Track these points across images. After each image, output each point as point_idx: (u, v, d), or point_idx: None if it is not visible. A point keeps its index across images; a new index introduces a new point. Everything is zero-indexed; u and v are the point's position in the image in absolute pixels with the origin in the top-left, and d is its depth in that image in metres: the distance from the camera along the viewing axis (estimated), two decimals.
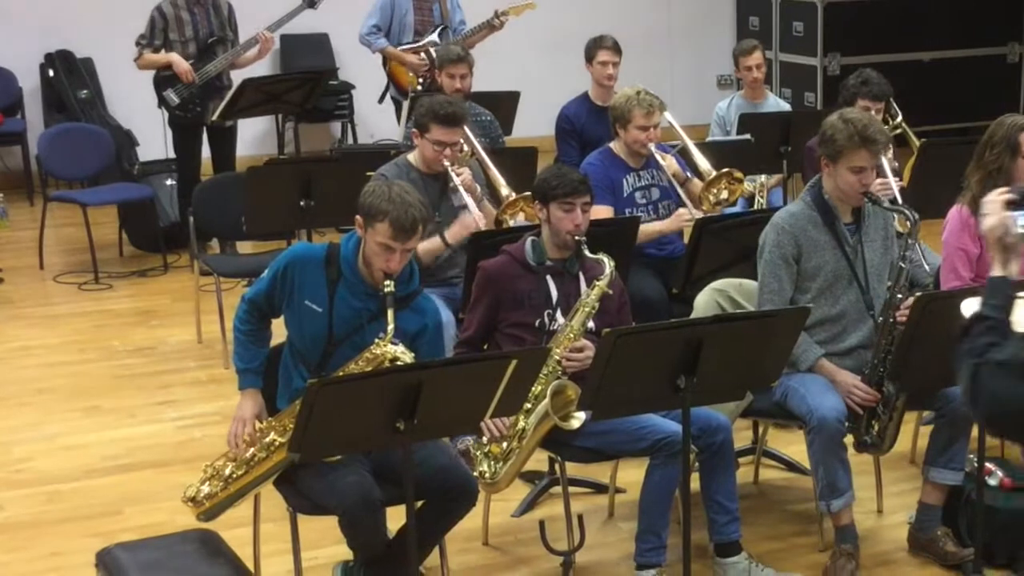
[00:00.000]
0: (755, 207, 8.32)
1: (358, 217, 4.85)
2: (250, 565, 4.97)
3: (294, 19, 10.00)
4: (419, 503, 4.69)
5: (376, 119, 12.10)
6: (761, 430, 6.28)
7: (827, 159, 5.44)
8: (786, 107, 9.64)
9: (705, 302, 5.80)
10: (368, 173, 6.53)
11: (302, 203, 7.43)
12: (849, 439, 5.42)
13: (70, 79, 11.99)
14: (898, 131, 7.89)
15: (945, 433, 5.41)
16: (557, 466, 5.58)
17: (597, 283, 5.36)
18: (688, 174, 7.07)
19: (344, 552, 5.08)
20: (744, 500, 5.63)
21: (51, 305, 9.24)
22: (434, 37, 9.94)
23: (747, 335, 4.78)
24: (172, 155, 10.15)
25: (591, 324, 5.34)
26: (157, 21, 9.60)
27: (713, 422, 5.21)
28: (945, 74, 13.05)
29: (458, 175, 6.51)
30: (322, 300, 4.91)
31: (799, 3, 13.04)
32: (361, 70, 11.87)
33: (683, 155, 7.23)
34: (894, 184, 6.76)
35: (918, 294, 5.26)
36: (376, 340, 4.72)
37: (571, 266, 5.48)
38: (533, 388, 5.02)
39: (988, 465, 5.40)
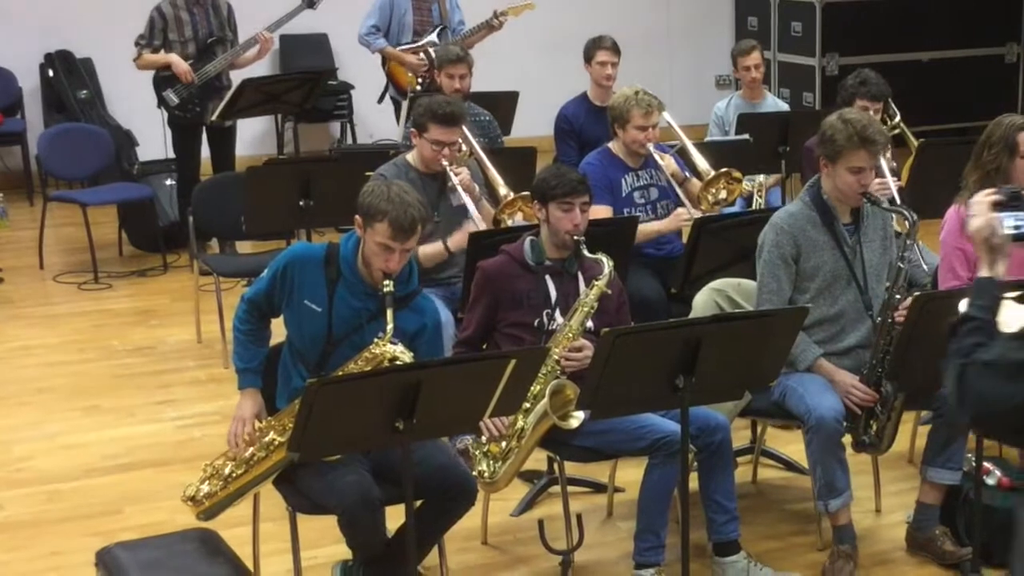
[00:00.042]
0: (753, 207, 8.33)
1: (357, 217, 4.86)
2: (249, 564, 4.98)
3: (293, 19, 10.01)
4: (418, 502, 4.70)
5: (375, 119, 12.11)
6: (759, 429, 6.29)
7: (826, 159, 5.44)
8: (784, 107, 9.65)
9: (704, 302, 5.81)
10: (367, 173, 6.55)
11: (301, 203, 7.44)
12: (847, 439, 5.43)
13: (70, 79, 12.00)
14: (896, 131, 7.90)
15: (943, 433, 5.42)
16: (556, 465, 5.60)
17: (596, 283, 5.37)
18: (687, 174, 7.08)
19: (343, 551, 5.08)
20: (742, 499, 5.64)
21: (51, 305, 9.25)
22: (433, 37, 9.95)
23: (745, 335, 4.79)
24: (172, 155, 10.15)
25: (590, 324, 5.35)
26: (156, 21, 9.60)
27: (712, 421, 5.22)
28: (943, 74, 13.06)
29: (456, 175, 6.52)
30: (321, 300, 4.91)
31: (797, 3, 13.05)
32: (360, 70, 11.87)
33: (682, 155, 7.25)
34: (892, 184, 6.77)
35: (916, 294, 5.27)
36: (375, 340, 4.73)
37: (570, 266, 5.49)
38: (532, 388, 5.02)
39: (986, 464, 5.41)
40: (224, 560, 4.70)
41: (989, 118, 5.92)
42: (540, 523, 5.38)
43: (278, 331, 5.13)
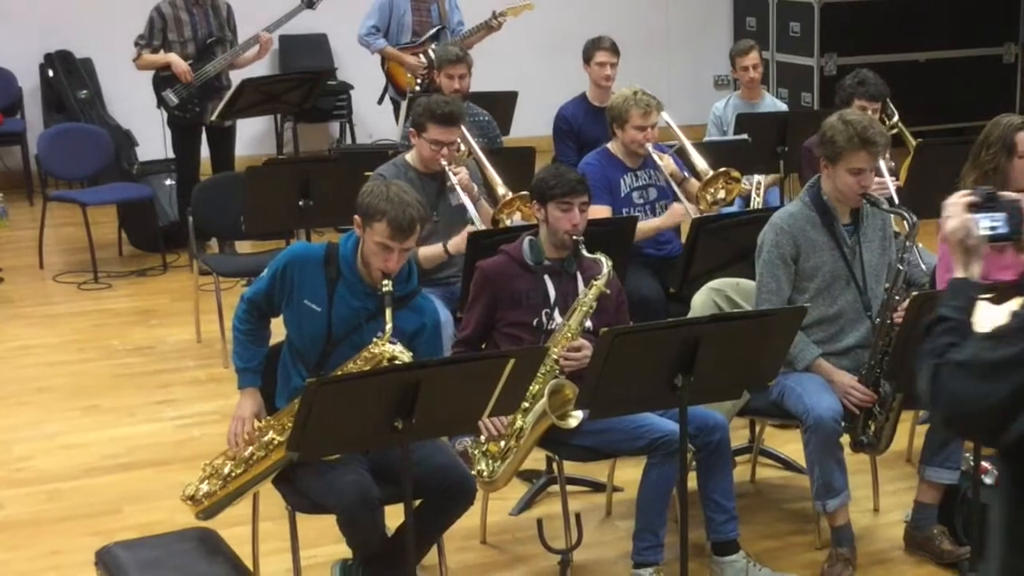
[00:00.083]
0: (751, 206, 8.34)
1: (356, 217, 4.87)
2: (249, 564, 4.98)
3: (293, 19, 10.02)
4: (417, 502, 4.70)
5: (374, 119, 12.11)
6: (758, 429, 6.30)
7: (826, 160, 5.44)
8: (783, 107, 9.66)
9: (702, 301, 5.82)
10: (366, 173, 6.55)
11: (301, 203, 7.45)
12: (845, 439, 5.44)
13: (69, 79, 12.00)
14: (894, 131, 7.91)
15: (941, 432, 5.42)
16: (555, 465, 5.61)
17: (595, 282, 5.37)
18: (685, 174, 7.09)
19: (343, 551, 5.09)
20: (741, 499, 5.65)
21: (51, 304, 9.26)
22: (432, 37, 9.96)
23: (744, 334, 4.80)
24: (171, 155, 10.15)
25: (589, 323, 5.36)
26: (156, 21, 9.61)
27: (710, 421, 5.23)
28: (941, 74, 13.06)
29: (455, 174, 6.53)
30: (321, 299, 4.92)
31: (796, 4, 13.06)
32: (360, 70, 11.88)
33: (680, 155, 7.25)
34: (890, 184, 6.77)
35: (914, 293, 5.28)
36: (374, 339, 4.73)
37: (569, 266, 5.50)
38: (531, 387, 5.04)
39: (984, 464, 5.40)
40: (223, 559, 4.70)
41: (987, 118, 5.93)
42: (539, 522, 5.37)
43: (278, 331, 5.14)
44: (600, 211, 6.55)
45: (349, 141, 12.58)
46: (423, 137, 6.48)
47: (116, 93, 12.06)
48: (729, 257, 6.32)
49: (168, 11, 9.63)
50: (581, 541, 5.33)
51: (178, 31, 9.63)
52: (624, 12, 13.40)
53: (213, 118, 9.58)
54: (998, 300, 3.10)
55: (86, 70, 12.13)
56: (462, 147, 6.94)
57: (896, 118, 8.11)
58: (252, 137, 12.20)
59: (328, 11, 10.46)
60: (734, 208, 7.73)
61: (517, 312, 5.44)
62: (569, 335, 5.31)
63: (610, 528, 5.88)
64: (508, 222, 6.71)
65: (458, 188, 6.52)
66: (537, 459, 5.78)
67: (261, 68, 11.15)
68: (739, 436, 6.26)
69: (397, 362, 4.64)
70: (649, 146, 6.92)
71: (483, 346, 5.52)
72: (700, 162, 7.15)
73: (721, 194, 7.04)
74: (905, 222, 5.48)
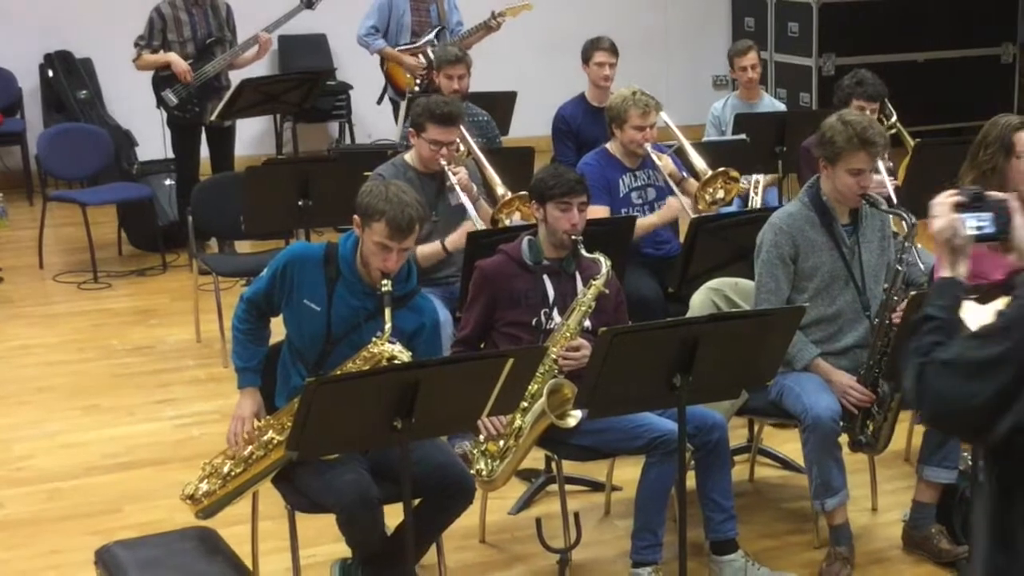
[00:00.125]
0: (749, 205, 8.35)
1: (356, 217, 4.87)
2: (248, 563, 4.99)
3: (292, 20, 10.03)
4: (416, 501, 4.72)
5: (373, 119, 12.11)
6: (756, 428, 6.30)
7: (825, 161, 5.45)
8: (781, 107, 9.67)
9: (701, 301, 5.82)
10: (365, 173, 6.57)
11: (300, 203, 7.46)
12: (844, 438, 5.45)
13: (69, 79, 12.01)
14: (893, 131, 7.91)
15: (939, 432, 5.43)
16: (554, 464, 5.63)
17: (594, 282, 5.38)
18: (684, 174, 7.10)
19: (342, 550, 5.10)
20: (740, 498, 5.66)
21: (50, 304, 9.26)
22: (431, 38, 9.97)
23: (743, 334, 4.81)
24: (171, 155, 10.16)
25: (587, 323, 5.37)
26: (156, 22, 9.62)
27: (709, 420, 5.23)
28: (940, 74, 13.07)
29: (455, 174, 6.54)
30: (321, 299, 4.93)
31: (794, 4, 13.07)
32: (359, 71, 11.88)
33: (679, 155, 7.26)
34: (888, 182, 6.78)
35: (913, 294, 5.29)
36: (373, 339, 4.74)
37: (568, 265, 5.50)
38: (530, 387, 5.05)
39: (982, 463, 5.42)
40: (223, 558, 4.71)
41: (985, 118, 5.93)
42: (538, 521, 5.39)
43: (277, 330, 5.14)
44: (598, 211, 6.56)
45: (348, 141, 12.59)
46: (422, 137, 6.49)
47: (116, 93, 12.07)
48: (728, 257, 6.33)
49: (168, 11, 9.64)
50: (580, 540, 5.35)
51: (178, 31, 9.64)
52: (623, 12, 13.41)
53: (213, 118, 9.59)
54: (984, 300, 3.11)
55: (86, 70, 12.14)
56: (461, 147, 6.95)
57: (894, 118, 8.11)
58: (251, 137, 12.21)
59: (327, 11, 10.47)
60: (732, 208, 7.73)
61: (516, 312, 5.44)
62: (568, 335, 5.32)
63: (609, 527, 5.89)
64: (507, 222, 6.72)
65: (457, 188, 6.53)
66: (536, 458, 5.78)
67: (260, 68, 11.16)
68: (738, 435, 6.25)
69: (396, 362, 4.65)
70: (648, 146, 6.93)
71: (482, 346, 5.52)
72: (699, 162, 7.16)
73: (720, 194, 7.05)
74: (904, 222, 5.49)
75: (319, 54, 12.79)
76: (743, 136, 8.27)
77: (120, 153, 11.07)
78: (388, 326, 4.70)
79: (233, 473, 4.94)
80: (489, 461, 5.24)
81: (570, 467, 5.66)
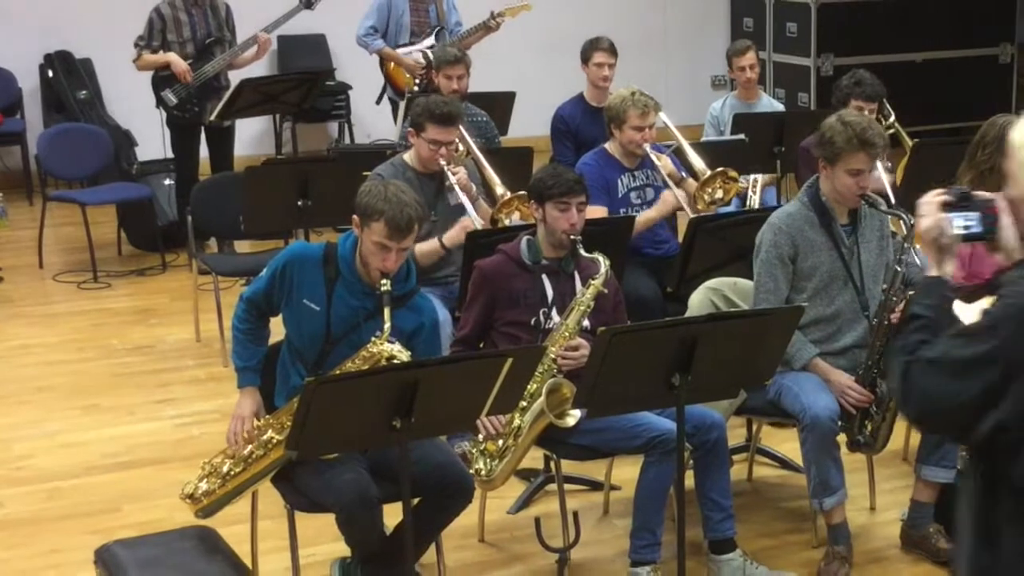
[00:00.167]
0: (747, 204, 8.37)
1: (355, 216, 4.88)
2: (248, 562, 5.00)
3: (291, 20, 10.05)
4: (416, 500, 4.72)
5: (373, 119, 12.12)
6: (755, 428, 6.31)
7: (825, 161, 5.45)
8: (780, 107, 9.69)
9: (699, 301, 5.83)
10: (365, 173, 6.57)
11: (299, 203, 7.47)
12: (842, 438, 5.45)
13: (69, 79, 12.02)
14: (891, 131, 7.92)
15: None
16: (552, 463, 5.63)
17: (592, 282, 5.39)
18: (683, 174, 7.11)
19: (341, 549, 5.11)
20: (738, 497, 5.67)
21: (50, 304, 9.28)
22: (431, 41, 9.98)
23: (741, 333, 4.81)
24: (170, 155, 10.17)
25: (586, 323, 5.38)
26: (155, 22, 9.63)
27: (707, 420, 5.24)
28: (938, 75, 13.07)
29: (454, 174, 6.55)
30: (320, 299, 4.94)
31: (793, 4, 13.07)
32: (358, 71, 11.89)
33: (678, 155, 7.27)
34: (885, 180, 6.78)
35: (911, 293, 5.29)
36: (373, 339, 4.74)
37: (567, 265, 5.51)
38: (528, 386, 5.06)
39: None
40: (222, 558, 4.72)
41: (983, 118, 5.95)
42: (537, 521, 5.40)
43: (277, 330, 5.15)
44: (596, 211, 6.56)
45: (347, 141, 12.59)
46: (422, 137, 6.50)
47: (116, 93, 12.08)
48: (726, 257, 6.34)
49: (167, 12, 9.65)
50: (579, 539, 5.36)
51: (177, 32, 9.65)
52: (622, 13, 13.42)
53: (212, 118, 9.60)
54: (969, 299, 3.13)
55: (86, 70, 12.14)
56: (460, 147, 6.96)
57: (893, 118, 8.12)
58: (251, 137, 12.21)
59: (326, 11, 10.48)
60: (731, 207, 7.74)
61: (515, 311, 5.45)
62: (567, 334, 5.32)
63: (607, 526, 5.89)
64: (507, 221, 6.73)
65: (456, 188, 6.54)
66: (535, 458, 5.79)
67: (260, 68, 11.17)
68: (736, 435, 6.26)
69: (395, 361, 4.65)
70: (647, 146, 6.94)
71: (481, 345, 5.53)
72: (698, 162, 7.17)
73: (719, 194, 7.06)
74: (902, 223, 5.50)
75: (318, 54, 12.80)
76: (742, 136, 8.27)
77: (120, 153, 11.08)
78: (387, 326, 4.71)
79: (232, 472, 4.95)
80: (488, 460, 5.25)
81: (569, 466, 5.67)
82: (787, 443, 6.31)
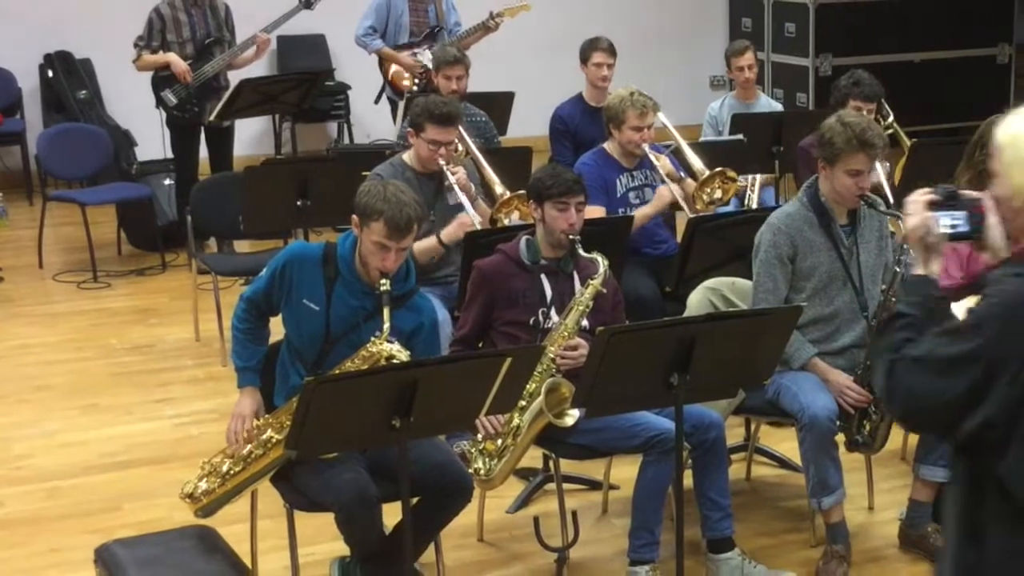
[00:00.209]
0: (746, 202, 8.38)
1: (354, 216, 4.89)
2: (247, 561, 5.01)
3: (291, 20, 10.06)
4: (415, 500, 4.74)
5: (372, 119, 12.13)
6: (753, 427, 6.31)
7: (824, 162, 5.46)
8: (778, 107, 9.68)
9: (698, 300, 5.84)
10: (364, 173, 6.58)
11: (299, 202, 7.47)
12: (840, 438, 5.46)
13: (69, 80, 12.03)
14: (890, 131, 7.94)
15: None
16: (551, 463, 5.64)
17: (591, 282, 5.40)
18: (682, 174, 7.12)
19: (341, 548, 5.11)
20: (736, 497, 5.69)
21: (50, 303, 9.28)
22: (427, 55, 9.99)
23: (740, 333, 4.81)
24: (170, 155, 10.17)
25: (585, 322, 5.39)
26: (155, 22, 9.64)
27: (706, 419, 5.25)
28: (936, 75, 13.07)
29: (453, 174, 6.55)
30: (320, 298, 4.94)
31: (791, 4, 13.08)
32: (357, 71, 11.90)
33: (677, 155, 7.28)
34: (885, 183, 6.79)
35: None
36: (372, 338, 4.75)
37: (565, 265, 5.52)
38: (527, 386, 5.06)
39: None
40: (222, 557, 4.74)
41: (981, 118, 5.93)
42: (536, 520, 5.42)
43: (276, 329, 5.16)
44: (595, 211, 6.57)
45: (347, 141, 12.60)
46: (421, 137, 6.50)
47: (115, 93, 12.09)
48: (725, 256, 6.35)
49: (167, 12, 9.66)
50: (577, 539, 5.38)
51: (177, 32, 9.66)
52: (620, 13, 13.43)
53: (212, 118, 9.61)
54: (955, 298, 3.14)
55: (85, 70, 12.15)
56: (459, 147, 6.97)
57: (891, 118, 8.13)
58: (250, 137, 12.22)
59: (326, 12, 10.49)
60: (730, 207, 7.75)
61: (514, 311, 5.46)
62: (566, 334, 5.33)
63: (606, 526, 5.90)
64: (506, 221, 6.74)
65: (456, 188, 6.55)
66: (534, 457, 5.80)
67: (259, 68, 11.18)
68: (735, 434, 6.27)
69: (395, 361, 4.66)
70: (645, 146, 6.95)
71: (480, 345, 5.54)
72: (696, 162, 7.17)
73: (718, 194, 7.08)
74: (901, 224, 5.49)
75: (318, 54, 12.81)
76: (740, 136, 8.28)
77: (119, 153, 11.08)
78: (387, 325, 4.71)
79: (232, 472, 4.95)
80: (487, 460, 5.26)
81: (568, 466, 5.67)
82: (785, 442, 6.32)
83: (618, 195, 6.95)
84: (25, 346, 8.38)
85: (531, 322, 5.45)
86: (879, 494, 6.04)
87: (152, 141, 10.82)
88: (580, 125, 8.35)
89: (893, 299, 5.36)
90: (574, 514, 5.38)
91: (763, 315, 5.06)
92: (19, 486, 6.41)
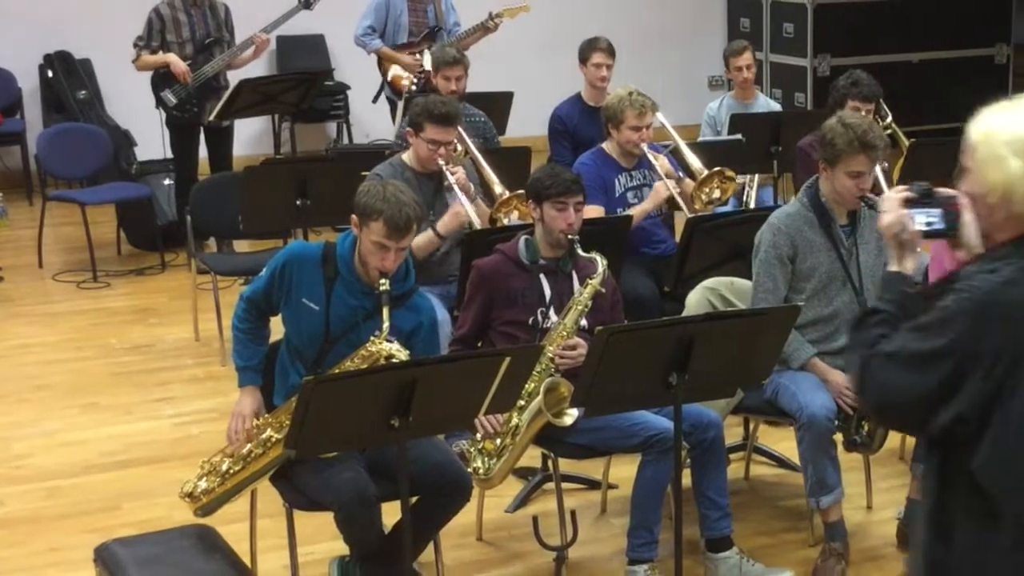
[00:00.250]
0: (744, 200, 8.39)
1: (353, 216, 4.89)
2: (247, 560, 5.02)
3: (290, 20, 10.06)
4: (414, 499, 4.74)
5: (371, 119, 12.13)
6: (752, 427, 6.33)
7: (825, 163, 5.46)
8: (776, 107, 9.69)
9: (697, 300, 5.85)
10: (363, 173, 6.59)
11: (298, 202, 7.48)
12: (838, 438, 5.47)
13: (69, 80, 12.03)
14: (888, 132, 7.94)
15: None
16: (550, 462, 5.65)
17: (590, 281, 5.41)
18: (680, 174, 7.13)
19: (340, 547, 5.12)
20: (735, 496, 5.69)
21: (50, 303, 9.29)
22: (427, 58, 9.99)
23: (738, 333, 4.81)
24: (170, 155, 10.17)
25: (584, 322, 5.40)
26: (154, 23, 9.64)
27: (704, 419, 5.26)
28: (934, 75, 13.07)
29: (452, 174, 6.56)
30: (319, 298, 4.95)
31: (789, 4, 13.08)
32: (356, 71, 11.90)
33: (675, 155, 7.29)
34: (882, 178, 6.79)
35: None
36: (371, 338, 4.75)
37: (564, 265, 5.53)
38: (526, 385, 5.07)
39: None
40: (221, 556, 4.74)
41: None
42: (534, 519, 5.43)
43: (276, 329, 5.17)
44: (593, 211, 6.59)
45: (346, 141, 12.60)
46: (421, 137, 6.51)
47: (115, 93, 12.09)
48: (723, 256, 6.35)
49: (166, 12, 9.67)
50: (576, 538, 5.39)
51: (176, 32, 9.67)
52: (619, 13, 13.43)
53: (211, 118, 9.61)
54: (928, 295, 3.16)
55: (85, 71, 12.15)
56: (459, 147, 6.98)
57: (889, 118, 8.14)
58: (250, 137, 12.22)
59: (325, 12, 10.49)
60: (728, 207, 7.76)
61: (513, 311, 5.47)
62: (564, 333, 5.34)
63: (605, 525, 5.91)
64: (505, 221, 6.74)
65: (455, 188, 6.55)
66: (533, 456, 5.81)
67: (259, 68, 11.19)
68: (733, 434, 6.28)
69: (394, 360, 4.67)
70: (644, 146, 6.97)
71: (479, 344, 5.55)
72: (695, 162, 7.19)
73: (716, 193, 7.09)
74: None
75: (317, 54, 12.82)
76: (739, 136, 8.29)
77: (119, 153, 11.08)
78: (386, 325, 4.72)
79: (231, 471, 4.95)
80: (486, 459, 5.26)
81: (566, 465, 5.68)
82: (784, 442, 6.33)
83: (616, 195, 6.97)
84: (25, 346, 8.39)
85: (530, 322, 5.46)
86: (877, 493, 6.05)
87: (152, 141, 10.82)
88: (579, 125, 8.36)
89: None
90: (573, 513, 5.39)
91: (761, 315, 5.07)
92: (19, 485, 6.41)
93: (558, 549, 5.38)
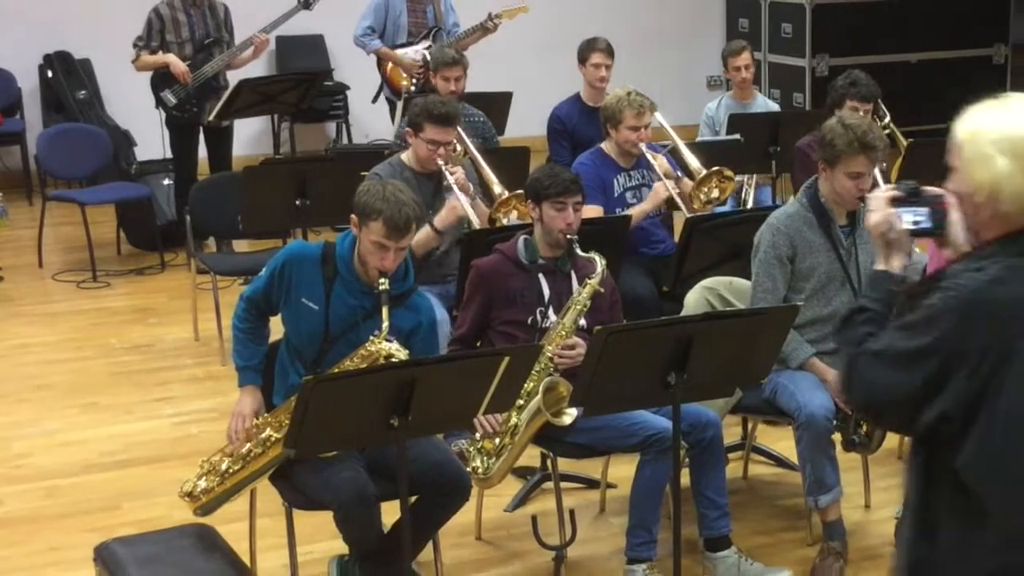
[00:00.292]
0: (742, 198, 8.40)
1: (353, 216, 4.90)
2: (246, 559, 5.02)
3: (289, 20, 10.07)
4: (413, 498, 4.75)
5: (370, 119, 12.14)
6: (750, 426, 6.34)
7: (824, 163, 5.47)
8: (775, 108, 9.69)
9: (695, 300, 5.86)
10: (362, 173, 6.59)
11: (298, 202, 7.49)
12: (837, 437, 5.48)
13: (68, 80, 12.04)
14: (886, 131, 7.94)
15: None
16: (549, 462, 5.65)
17: (589, 281, 5.42)
18: (679, 173, 7.14)
19: (339, 547, 5.12)
20: (733, 495, 5.69)
21: (50, 303, 9.30)
22: (427, 43, 10.00)
23: (737, 332, 4.81)
24: (169, 155, 10.18)
25: (583, 321, 5.40)
26: (154, 23, 9.65)
27: (703, 418, 5.27)
28: (932, 75, 13.06)
29: (452, 174, 6.56)
30: (319, 298, 4.96)
31: (788, 5, 13.08)
32: (356, 71, 11.91)
33: (674, 155, 7.30)
34: (880, 178, 6.80)
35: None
36: (371, 337, 4.76)
37: (563, 264, 5.54)
38: (525, 385, 5.08)
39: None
40: (221, 555, 4.74)
41: None
42: (533, 519, 5.44)
43: (276, 328, 5.17)
44: (592, 211, 6.59)
45: (345, 141, 12.61)
46: (420, 137, 6.51)
47: (115, 93, 12.10)
48: (722, 256, 6.36)
49: (166, 12, 9.68)
50: (575, 537, 5.39)
51: (176, 32, 9.67)
52: (618, 13, 13.43)
53: (211, 118, 9.62)
54: (914, 293, 3.17)
55: (85, 71, 12.16)
56: (458, 147, 6.99)
57: (888, 118, 8.15)
58: (249, 137, 12.23)
59: (325, 12, 10.50)
60: (726, 206, 7.77)
61: (512, 310, 5.48)
62: (563, 333, 5.35)
63: (604, 524, 5.91)
64: (505, 221, 6.75)
65: (454, 187, 6.56)
66: (531, 456, 5.82)
67: (258, 69, 11.19)
68: (732, 433, 6.28)
69: (393, 360, 4.67)
70: (643, 146, 6.98)
71: (478, 344, 5.56)
72: (693, 161, 7.20)
73: (715, 193, 7.09)
74: None
75: (316, 54, 12.83)
76: (737, 136, 8.30)
77: (119, 153, 11.09)
78: (386, 324, 4.72)
79: (231, 470, 4.96)
80: (485, 459, 5.27)
81: (565, 464, 5.69)
82: (782, 441, 6.33)
83: (615, 195, 6.97)
84: (25, 345, 8.39)
85: (529, 321, 5.47)
86: (875, 492, 6.06)
87: (151, 141, 10.83)
88: (578, 125, 8.36)
89: None
90: (572, 513, 5.40)
91: (760, 314, 5.07)
92: (19, 485, 6.42)
93: (557, 548, 5.39)
